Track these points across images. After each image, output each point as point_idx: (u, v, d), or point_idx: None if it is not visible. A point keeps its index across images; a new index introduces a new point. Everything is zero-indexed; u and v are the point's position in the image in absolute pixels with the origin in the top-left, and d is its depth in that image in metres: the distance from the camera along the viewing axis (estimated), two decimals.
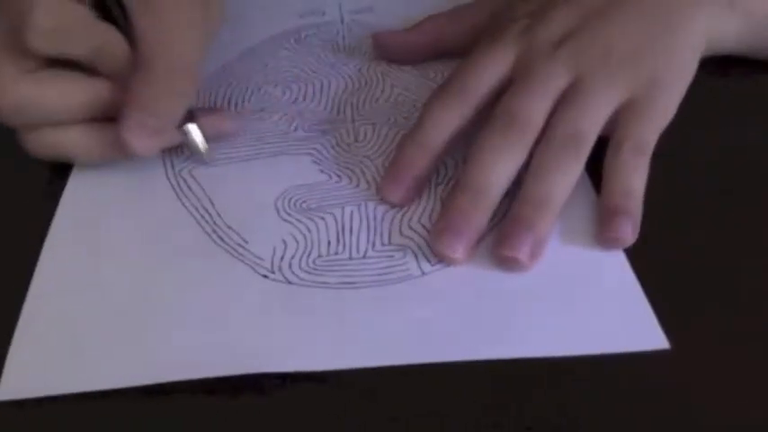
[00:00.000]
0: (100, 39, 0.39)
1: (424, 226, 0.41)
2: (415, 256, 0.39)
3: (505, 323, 0.36)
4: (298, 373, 0.34)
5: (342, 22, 0.56)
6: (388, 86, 0.50)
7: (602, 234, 0.38)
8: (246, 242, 0.40)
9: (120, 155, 0.42)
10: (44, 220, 0.42)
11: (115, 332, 0.36)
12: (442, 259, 0.38)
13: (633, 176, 0.39)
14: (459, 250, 0.38)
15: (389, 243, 0.40)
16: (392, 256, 0.39)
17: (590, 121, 0.40)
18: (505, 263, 0.37)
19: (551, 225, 0.38)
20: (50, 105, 0.40)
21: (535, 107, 0.40)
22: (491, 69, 0.42)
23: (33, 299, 0.38)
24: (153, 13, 0.38)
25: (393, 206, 0.41)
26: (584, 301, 0.37)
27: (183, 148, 0.45)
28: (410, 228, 0.41)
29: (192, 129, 0.43)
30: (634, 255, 0.38)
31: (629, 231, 0.38)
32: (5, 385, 0.35)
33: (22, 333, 0.37)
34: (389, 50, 0.51)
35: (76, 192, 0.44)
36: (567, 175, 0.39)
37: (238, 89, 0.51)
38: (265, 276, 0.39)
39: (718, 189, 0.41)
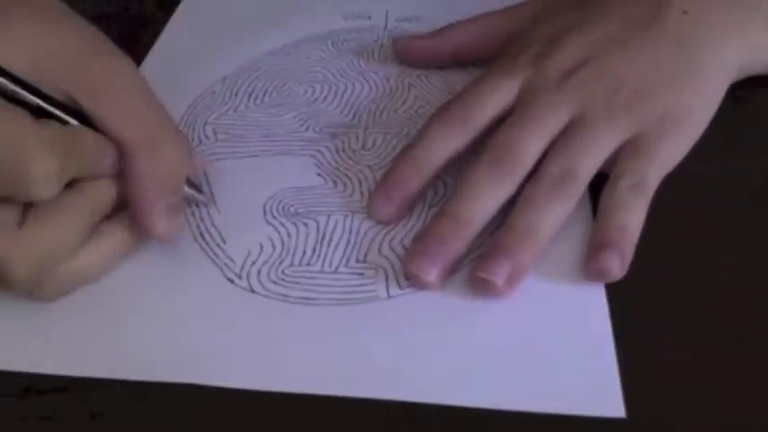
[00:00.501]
0: (82, 148, 0.34)
1: (405, 247, 0.38)
2: (386, 278, 0.37)
3: (460, 366, 0.33)
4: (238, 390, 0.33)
5: (385, 28, 0.54)
6: (412, 98, 0.47)
7: (587, 266, 0.35)
8: (224, 242, 0.39)
9: (131, 250, 0.38)
10: None
11: (69, 320, 0.36)
12: (413, 281, 0.36)
13: (628, 213, 0.36)
14: (432, 273, 0.35)
15: (364, 261, 0.38)
16: (362, 274, 0.37)
17: (585, 162, 0.38)
18: (481, 287, 0.35)
19: (533, 256, 0.35)
20: (60, 240, 0.34)
21: (529, 142, 0.38)
22: (495, 97, 0.40)
23: None
24: (105, 99, 0.35)
25: (379, 223, 0.39)
26: (551, 353, 0.33)
27: None
28: (390, 248, 0.38)
29: (187, 190, 0.38)
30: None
31: (616, 265, 0.35)
32: None
33: None
34: (409, 55, 0.49)
35: None
36: (555, 210, 0.36)
37: (263, 83, 0.49)
38: (231, 281, 0.37)
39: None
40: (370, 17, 0.55)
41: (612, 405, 0.31)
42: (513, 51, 0.43)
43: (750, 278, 0.35)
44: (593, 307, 0.35)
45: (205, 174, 0.43)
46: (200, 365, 0.34)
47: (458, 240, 0.36)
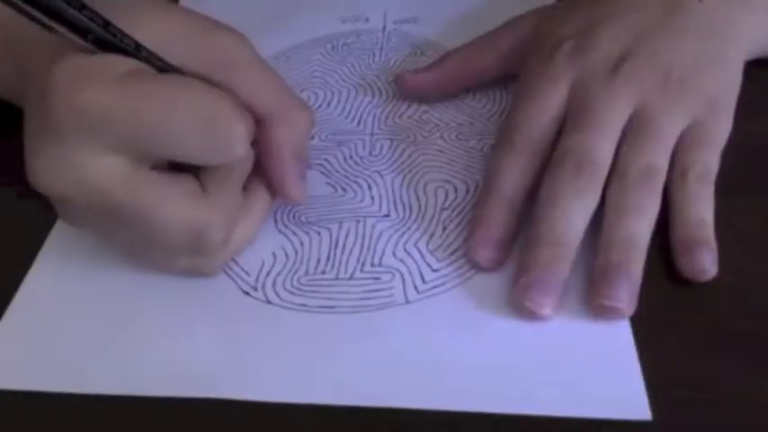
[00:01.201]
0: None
1: (419, 249, 0.38)
2: (403, 281, 0.37)
3: (484, 372, 0.33)
4: (264, 403, 0.33)
5: (383, 30, 0.54)
6: (415, 103, 0.47)
7: (682, 267, 0.36)
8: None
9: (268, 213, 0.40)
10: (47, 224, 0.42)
11: (95, 339, 0.36)
12: (528, 316, 0.35)
13: (703, 205, 0.37)
14: (548, 305, 0.34)
15: (380, 264, 0.38)
16: (379, 278, 0.37)
17: (661, 155, 0.38)
18: (603, 313, 0.34)
19: (642, 266, 0.35)
20: (239, 207, 0.36)
21: (602, 145, 0.37)
22: (548, 110, 0.40)
23: (23, 295, 0.38)
24: (245, 75, 0.36)
25: (487, 270, 0.37)
26: (571, 358, 0.33)
27: None
28: (405, 250, 0.38)
29: None
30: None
31: (711, 261, 0.35)
32: None
33: (7, 324, 0.37)
34: (417, 92, 0.47)
35: None
36: (649, 212, 0.36)
37: None
38: (246, 293, 0.37)
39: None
40: (368, 20, 0.55)
41: (638, 408, 0.31)
42: (545, 54, 0.42)
43: None
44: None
45: None
46: (223, 380, 0.34)
47: (563, 265, 0.35)
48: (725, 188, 0.38)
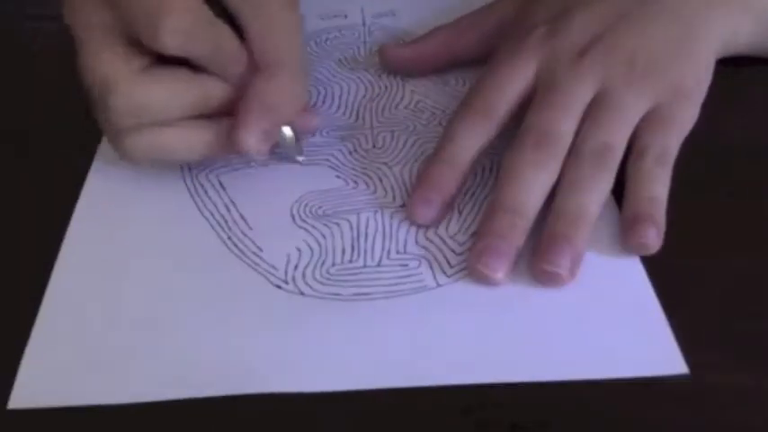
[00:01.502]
0: (219, 39, 0.38)
1: (440, 236, 0.40)
2: (431, 267, 0.39)
3: (521, 344, 0.35)
4: (308, 394, 0.34)
5: (363, 24, 0.55)
6: (408, 93, 0.49)
7: (626, 241, 0.38)
8: (261, 250, 0.40)
9: (222, 153, 0.41)
10: (59, 227, 0.42)
11: (128, 346, 0.36)
12: (481, 280, 0.37)
13: (657, 185, 0.39)
14: (500, 270, 0.37)
15: (405, 251, 0.39)
16: (407, 265, 0.39)
17: (619, 134, 0.40)
18: (544, 278, 0.37)
19: (587, 238, 0.37)
20: (164, 104, 0.39)
21: (564, 122, 0.40)
22: (514, 83, 0.42)
23: (48, 308, 0.38)
24: (267, 16, 0.39)
25: (420, 226, 0.40)
26: (604, 323, 0.36)
27: None
28: (426, 238, 0.40)
29: (287, 130, 0.43)
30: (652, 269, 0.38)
31: (654, 237, 0.37)
32: (18, 393, 0.34)
33: (36, 342, 0.36)
34: (397, 64, 0.50)
35: (91, 200, 0.43)
36: (599, 188, 0.38)
37: None
38: (279, 287, 0.38)
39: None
40: (346, 16, 0.57)
41: (674, 363, 0.34)
42: (520, 35, 0.44)
43: None
44: (632, 274, 0.37)
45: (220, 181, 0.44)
46: (272, 374, 0.34)
47: (518, 233, 0.37)
48: (726, 189, 0.40)
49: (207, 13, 0.37)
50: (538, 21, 0.44)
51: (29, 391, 0.34)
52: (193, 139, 0.40)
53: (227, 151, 0.40)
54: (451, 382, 0.34)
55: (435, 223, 0.40)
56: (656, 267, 0.37)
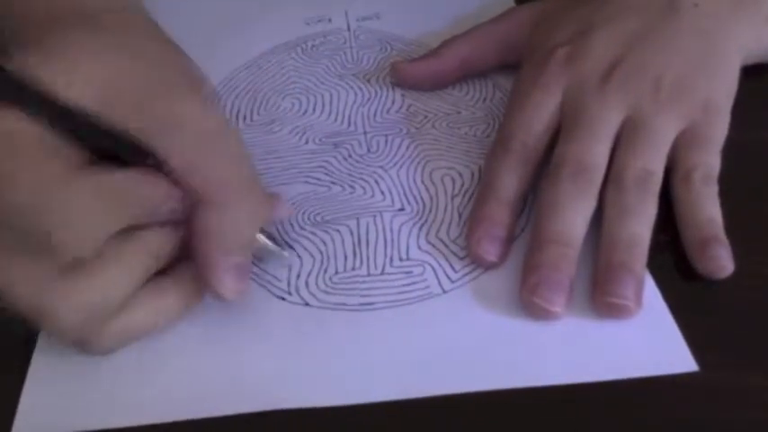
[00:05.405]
0: (147, 195, 0.32)
1: (441, 240, 0.40)
2: (435, 273, 0.39)
3: (531, 348, 0.35)
4: (317, 408, 0.34)
5: (348, 29, 0.55)
6: (399, 96, 0.49)
7: (702, 267, 0.37)
8: (261, 260, 0.40)
9: (197, 302, 0.36)
10: None
11: (128, 367, 0.35)
12: (539, 315, 0.36)
13: (709, 205, 0.39)
14: (557, 303, 0.36)
15: (407, 258, 0.39)
16: (411, 272, 0.39)
17: (657, 159, 0.39)
18: (610, 311, 0.36)
19: (645, 264, 0.37)
20: (113, 289, 0.32)
21: (596, 151, 0.39)
22: (543, 118, 0.41)
23: (46, 334, 0.37)
24: (188, 143, 0.32)
25: (486, 267, 0.39)
26: (610, 324, 0.36)
27: None
28: (428, 242, 0.40)
29: (260, 238, 0.38)
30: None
31: (727, 258, 0.37)
32: (20, 421, 0.34)
33: (36, 367, 0.36)
34: (413, 81, 0.49)
35: None
36: (648, 213, 0.38)
37: (246, 101, 0.50)
38: (282, 298, 0.38)
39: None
40: (330, 20, 0.56)
41: (683, 361, 0.34)
42: (539, 60, 0.43)
43: None
44: None
45: None
46: (281, 390, 0.34)
47: (570, 263, 0.37)
48: (738, 190, 0.40)
49: (110, 177, 0.31)
50: (557, 42, 0.43)
51: (31, 420, 0.34)
52: (163, 308, 0.35)
53: (200, 299, 0.36)
54: (464, 389, 0.34)
55: (501, 261, 0.39)
56: (667, 269, 0.38)
